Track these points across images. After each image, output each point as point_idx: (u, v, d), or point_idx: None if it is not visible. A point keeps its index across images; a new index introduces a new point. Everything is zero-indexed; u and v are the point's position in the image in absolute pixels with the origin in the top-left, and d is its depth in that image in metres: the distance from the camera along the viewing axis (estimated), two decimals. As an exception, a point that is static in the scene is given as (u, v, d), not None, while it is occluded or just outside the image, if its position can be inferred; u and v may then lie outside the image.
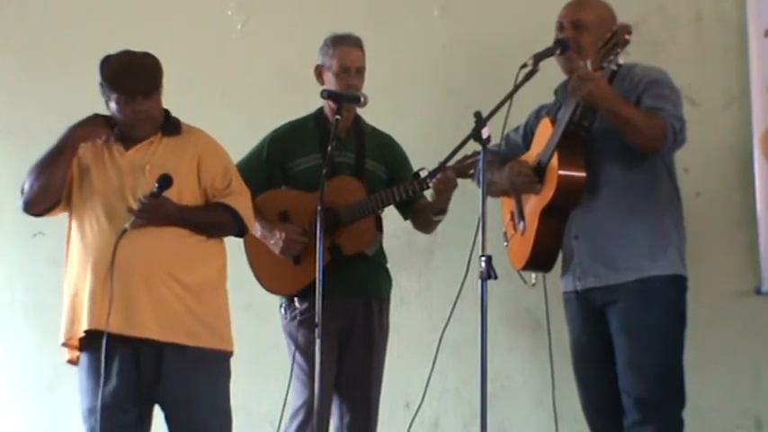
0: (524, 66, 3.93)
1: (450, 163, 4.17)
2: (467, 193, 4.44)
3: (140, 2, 5.71)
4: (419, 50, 5.22)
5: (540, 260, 4.11)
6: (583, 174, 3.96)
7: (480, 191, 3.78)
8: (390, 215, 4.63)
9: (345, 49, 4.52)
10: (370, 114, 4.63)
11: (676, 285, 3.98)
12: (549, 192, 4.00)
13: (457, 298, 3.96)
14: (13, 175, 5.41)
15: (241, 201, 4.12)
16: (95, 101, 4.13)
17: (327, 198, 4.15)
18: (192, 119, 4.20)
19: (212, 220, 4.06)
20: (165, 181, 3.91)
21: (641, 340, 3.91)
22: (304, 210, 4.43)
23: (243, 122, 5.13)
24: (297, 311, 4.47)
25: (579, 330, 4.09)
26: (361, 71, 4.52)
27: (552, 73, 4.12)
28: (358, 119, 4.63)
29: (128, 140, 4.07)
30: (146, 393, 3.96)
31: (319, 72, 4.57)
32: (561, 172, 3.95)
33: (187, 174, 4.04)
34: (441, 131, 4.94)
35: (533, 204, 4.11)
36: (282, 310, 4.55)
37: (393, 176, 4.58)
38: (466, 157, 4.28)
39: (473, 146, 3.95)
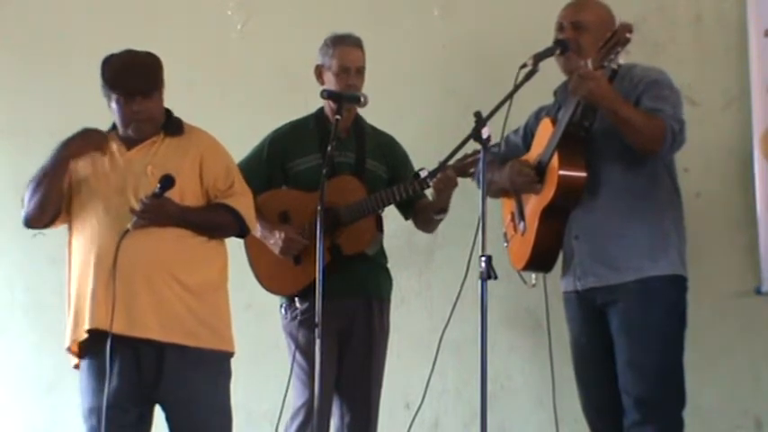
0: (524, 66, 3.93)
1: (451, 162, 4.17)
2: (467, 192, 4.44)
3: (140, 2, 5.71)
4: (419, 50, 5.22)
5: (540, 260, 4.11)
6: (583, 174, 3.96)
7: (480, 191, 3.78)
8: (391, 215, 4.63)
9: (345, 49, 4.52)
10: (370, 114, 4.62)
11: (676, 285, 3.98)
12: (549, 192, 4.00)
13: (457, 298, 3.96)
14: (13, 174, 5.43)
15: (243, 201, 4.11)
16: (95, 101, 4.12)
17: (327, 198, 4.15)
18: (192, 119, 4.20)
19: (214, 221, 4.06)
20: (168, 181, 3.91)
21: (641, 340, 3.91)
22: (304, 210, 4.43)
23: (243, 122, 5.13)
24: (297, 311, 4.46)
25: (579, 330, 4.09)
26: (361, 71, 4.52)
27: (552, 73, 4.12)
28: (358, 119, 4.62)
29: (130, 140, 4.06)
30: (146, 393, 3.95)
31: (319, 72, 4.57)
32: (561, 172, 3.95)
33: (189, 174, 4.04)
34: (441, 131, 4.94)
35: (534, 205, 4.11)
36: (283, 310, 4.55)
37: (394, 176, 4.58)
38: (466, 156, 4.29)
39: (473, 146, 3.96)
